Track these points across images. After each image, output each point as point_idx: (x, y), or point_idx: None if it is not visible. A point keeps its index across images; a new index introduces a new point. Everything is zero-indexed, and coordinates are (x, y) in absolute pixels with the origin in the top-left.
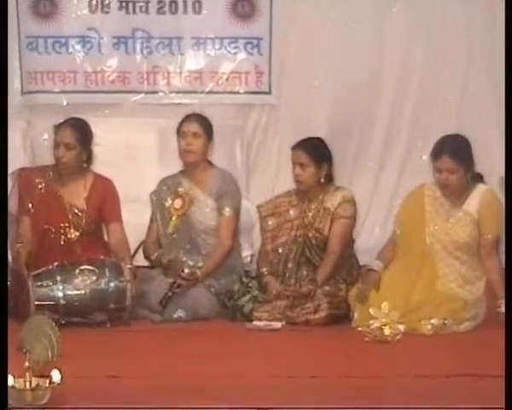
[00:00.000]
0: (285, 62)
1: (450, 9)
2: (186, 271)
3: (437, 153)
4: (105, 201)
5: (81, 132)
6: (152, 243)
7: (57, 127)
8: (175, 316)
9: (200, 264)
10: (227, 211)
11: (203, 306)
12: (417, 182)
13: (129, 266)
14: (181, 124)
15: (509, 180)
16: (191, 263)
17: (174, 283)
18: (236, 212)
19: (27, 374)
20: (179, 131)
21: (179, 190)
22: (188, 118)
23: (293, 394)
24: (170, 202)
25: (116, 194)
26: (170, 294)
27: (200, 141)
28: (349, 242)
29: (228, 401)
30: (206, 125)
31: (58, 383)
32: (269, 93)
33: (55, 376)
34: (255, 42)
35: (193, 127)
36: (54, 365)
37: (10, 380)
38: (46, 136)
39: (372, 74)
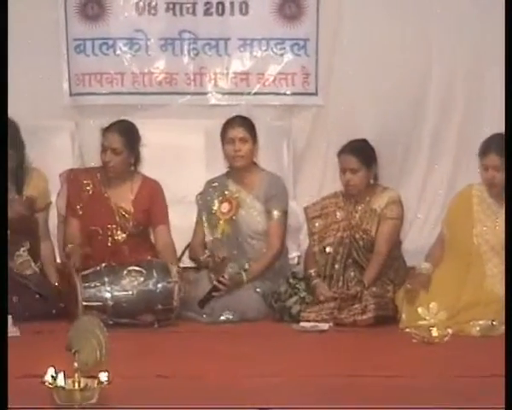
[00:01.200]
0: (332, 63)
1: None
2: (226, 276)
3: (484, 151)
4: (152, 203)
5: (128, 136)
6: (198, 245)
7: (104, 131)
8: (222, 317)
9: (246, 267)
10: (275, 214)
11: (251, 307)
12: (466, 182)
13: (176, 268)
14: (225, 129)
15: (509, 179)
16: (231, 270)
17: (214, 286)
18: (285, 215)
19: (76, 375)
20: (224, 137)
21: (226, 193)
22: (231, 123)
23: (342, 394)
24: (217, 205)
25: (163, 196)
26: (208, 296)
27: (248, 145)
28: (396, 243)
29: (275, 402)
30: (252, 129)
31: (106, 384)
32: (315, 94)
33: (103, 377)
34: (302, 43)
35: (239, 132)
36: (102, 365)
37: (61, 380)
38: (94, 137)
39: (420, 73)
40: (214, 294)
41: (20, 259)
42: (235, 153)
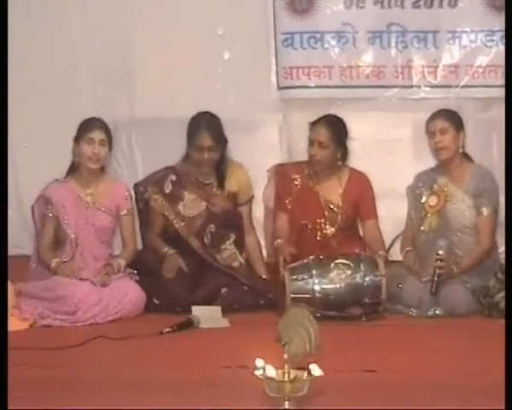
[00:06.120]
0: None
1: None
2: (440, 252)
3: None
4: (360, 197)
5: (336, 131)
6: (407, 239)
7: (312, 125)
8: (430, 312)
9: (454, 260)
10: (485, 211)
11: (460, 303)
12: None
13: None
14: (427, 124)
15: (509, 180)
16: (442, 244)
17: (436, 267)
18: (495, 211)
19: (286, 366)
20: (427, 132)
21: (434, 186)
22: (432, 116)
23: None
24: (425, 198)
25: (371, 190)
26: (436, 278)
27: (449, 136)
28: None
29: (478, 402)
30: (453, 119)
31: (316, 376)
32: None
33: (315, 371)
34: None
35: (438, 124)
36: (312, 357)
37: (272, 372)
38: (301, 131)
39: None
40: (439, 271)
41: (226, 252)
42: (436, 145)
